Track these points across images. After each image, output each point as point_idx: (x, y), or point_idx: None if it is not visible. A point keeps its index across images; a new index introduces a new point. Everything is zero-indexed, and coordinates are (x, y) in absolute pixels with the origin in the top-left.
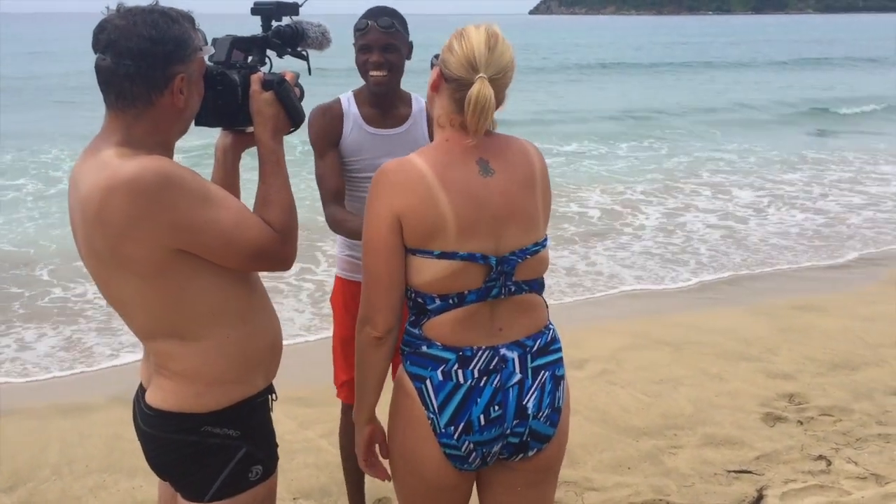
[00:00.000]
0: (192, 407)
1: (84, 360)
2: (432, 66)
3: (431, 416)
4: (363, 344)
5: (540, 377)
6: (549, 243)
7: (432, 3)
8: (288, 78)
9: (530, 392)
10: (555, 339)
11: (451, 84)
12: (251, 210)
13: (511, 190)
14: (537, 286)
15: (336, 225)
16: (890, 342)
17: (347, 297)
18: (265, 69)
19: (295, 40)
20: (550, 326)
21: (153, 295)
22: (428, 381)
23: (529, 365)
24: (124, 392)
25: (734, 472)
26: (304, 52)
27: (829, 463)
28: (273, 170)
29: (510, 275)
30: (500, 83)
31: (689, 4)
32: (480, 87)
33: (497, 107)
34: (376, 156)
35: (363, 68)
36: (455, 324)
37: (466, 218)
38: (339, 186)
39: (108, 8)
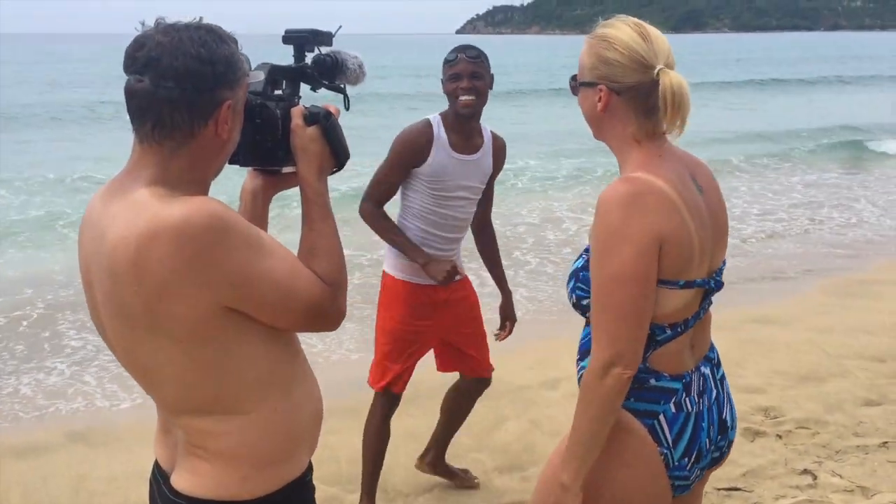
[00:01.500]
0: (237, 493)
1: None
2: (574, 89)
3: (665, 451)
4: (611, 390)
5: (725, 387)
6: None
7: (358, 25)
8: (333, 112)
9: (725, 405)
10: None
11: (628, 94)
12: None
13: (716, 207)
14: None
15: (373, 219)
16: (851, 353)
17: (411, 297)
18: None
19: (334, 72)
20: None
21: (192, 362)
22: (661, 416)
23: (717, 377)
24: (84, 430)
25: (724, 489)
26: (341, 86)
27: (815, 477)
28: (321, 214)
29: (714, 292)
30: (672, 67)
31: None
32: (670, 78)
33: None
34: (457, 179)
35: (453, 94)
36: (678, 352)
37: (702, 241)
38: (389, 197)
39: (142, 24)
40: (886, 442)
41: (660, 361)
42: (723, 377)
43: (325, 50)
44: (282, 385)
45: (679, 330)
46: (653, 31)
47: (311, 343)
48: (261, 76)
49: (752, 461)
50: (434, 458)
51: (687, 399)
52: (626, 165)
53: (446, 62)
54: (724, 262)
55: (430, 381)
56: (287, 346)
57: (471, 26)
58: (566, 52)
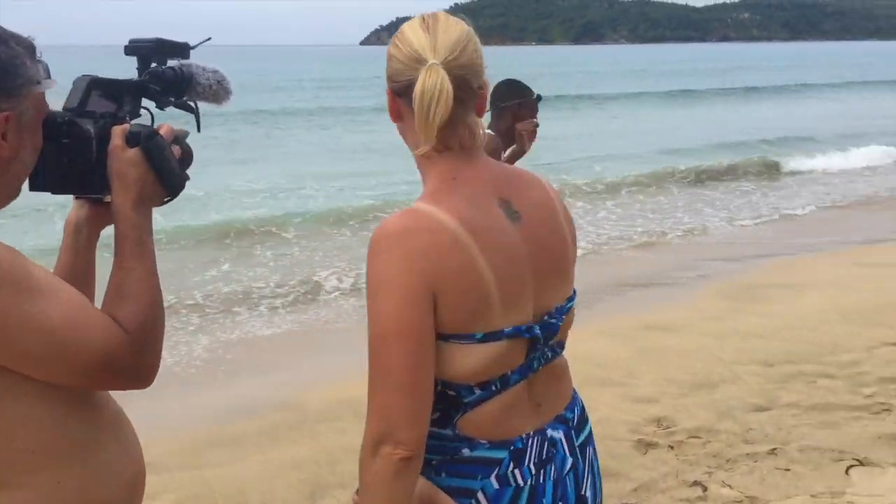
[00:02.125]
0: None
1: None
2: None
3: None
4: (383, 473)
5: (588, 456)
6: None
7: (261, 35)
8: (163, 132)
9: (585, 477)
10: (582, 403)
11: (408, 95)
12: (96, 305)
13: (542, 236)
14: (563, 345)
15: None
16: (743, 358)
17: None
18: (141, 122)
19: (180, 87)
20: (576, 394)
21: None
22: (480, 494)
23: (576, 443)
24: None
25: None
26: (191, 103)
27: (705, 489)
28: (135, 251)
29: (550, 339)
30: (461, 64)
31: (514, 35)
32: (426, 76)
33: (478, 101)
34: None
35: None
36: (500, 413)
37: (509, 283)
38: None
39: None
40: (775, 448)
41: (474, 427)
42: (587, 443)
43: (174, 63)
44: (71, 452)
45: (494, 389)
46: (445, 24)
47: (193, 364)
48: (52, 84)
49: (644, 475)
50: None
51: (517, 471)
52: (423, 189)
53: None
54: (570, 299)
55: (318, 404)
56: (82, 404)
57: (375, 37)
58: None
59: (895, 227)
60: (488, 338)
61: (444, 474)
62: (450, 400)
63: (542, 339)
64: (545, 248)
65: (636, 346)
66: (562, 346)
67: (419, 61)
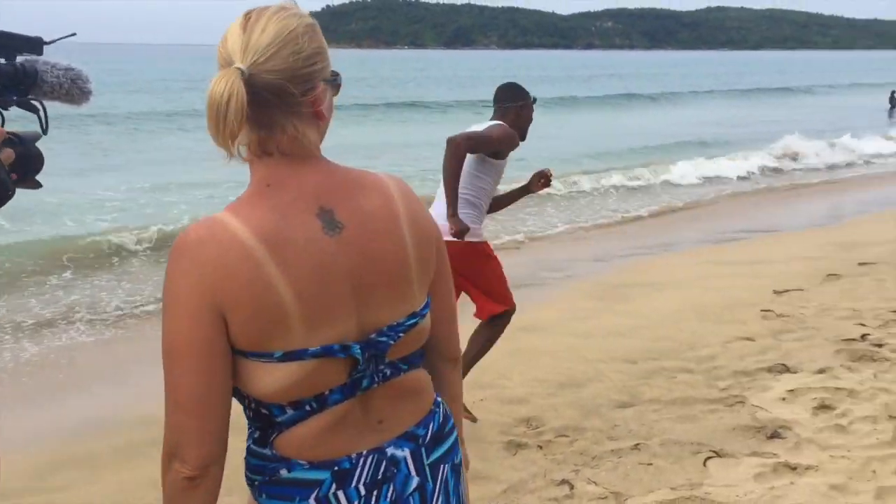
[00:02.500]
0: None
1: None
2: None
3: None
4: (173, 487)
5: (441, 475)
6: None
7: (137, 34)
8: None
9: (435, 498)
10: (447, 418)
11: None
12: None
13: (369, 248)
14: (417, 359)
15: (458, 160)
16: (606, 357)
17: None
18: None
19: (20, 85)
20: (439, 401)
21: None
22: None
23: (426, 462)
24: None
25: None
26: (35, 103)
27: (572, 487)
28: None
29: (382, 357)
30: (271, 69)
31: (387, 39)
32: (213, 83)
33: (310, 106)
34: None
35: (527, 121)
36: (319, 433)
37: (315, 299)
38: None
39: None
40: (638, 444)
41: (292, 447)
42: (442, 461)
43: (21, 58)
44: None
45: (309, 409)
46: (265, 22)
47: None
48: None
49: (514, 476)
50: None
51: (340, 492)
52: None
53: (531, 100)
54: (413, 315)
55: None
56: None
57: None
58: (341, 65)
59: (737, 228)
60: (289, 357)
61: (264, 495)
62: (264, 419)
63: (370, 358)
64: (373, 261)
65: (508, 348)
66: (411, 360)
67: (230, 64)
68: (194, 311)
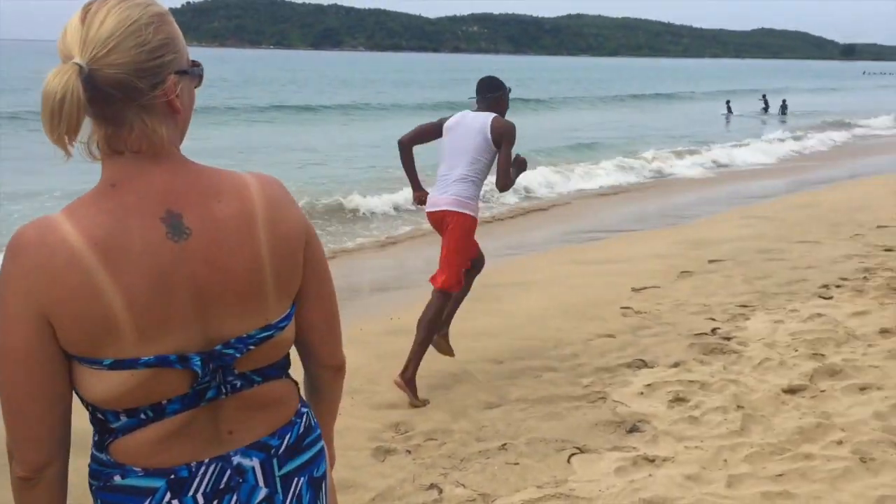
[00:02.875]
0: None
1: None
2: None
3: None
4: (13, 483)
5: (294, 487)
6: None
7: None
8: None
9: None
10: (310, 429)
11: None
12: None
13: (217, 256)
14: (276, 371)
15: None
16: (475, 357)
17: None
18: None
19: None
20: (304, 412)
21: None
22: None
23: (277, 473)
24: None
25: None
26: None
27: (441, 491)
28: None
29: (230, 369)
30: (112, 63)
31: (251, 38)
32: (48, 79)
33: (163, 101)
34: None
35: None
36: (157, 441)
37: (150, 308)
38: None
39: None
40: (505, 444)
41: (127, 453)
42: (297, 473)
43: None
44: None
45: (145, 417)
46: (104, 14)
47: None
48: None
49: (382, 483)
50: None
51: (175, 501)
52: None
53: (508, 90)
54: (266, 328)
55: None
56: None
57: None
58: (206, 65)
59: (598, 228)
60: (118, 365)
61: (100, 501)
62: (101, 424)
63: (216, 370)
64: (220, 272)
65: (377, 352)
66: (268, 372)
67: (70, 59)
68: (20, 315)
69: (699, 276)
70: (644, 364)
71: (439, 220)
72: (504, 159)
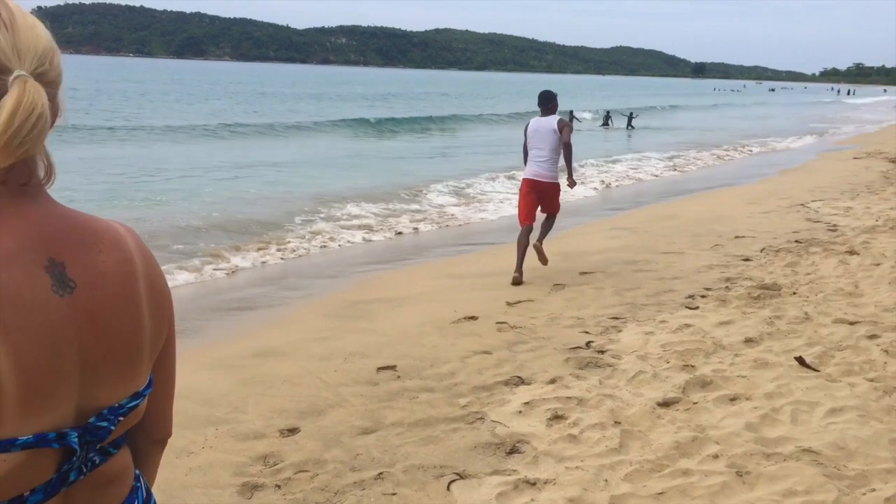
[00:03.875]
0: None
1: None
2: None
3: None
4: None
5: None
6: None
7: None
8: None
9: None
10: (149, 493)
11: None
12: None
13: (104, 315)
14: (124, 439)
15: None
16: (348, 380)
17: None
18: None
19: None
20: (138, 475)
21: None
22: None
23: None
24: None
25: None
26: None
27: None
28: None
29: (96, 444)
30: (50, 80)
31: (109, 45)
32: (16, 94)
33: (53, 124)
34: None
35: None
36: None
37: (39, 375)
38: None
39: None
40: (381, 473)
41: None
42: None
43: None
44: None
45: None
46: (31, 22)
47: None
48: None
49: None
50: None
51: None
52: None
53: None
54: (135, 396)
55: None
56: None
57: None
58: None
59: (469, 241)
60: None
61: None
62: None
63: (86, 447)
64: (104, 332)
65: (242, 377)
66: (118, 443)
67: (5, 71)
68: None
69: (572, 288)
70: (521, 381)
71: (542, 186)
72: (566, 144)
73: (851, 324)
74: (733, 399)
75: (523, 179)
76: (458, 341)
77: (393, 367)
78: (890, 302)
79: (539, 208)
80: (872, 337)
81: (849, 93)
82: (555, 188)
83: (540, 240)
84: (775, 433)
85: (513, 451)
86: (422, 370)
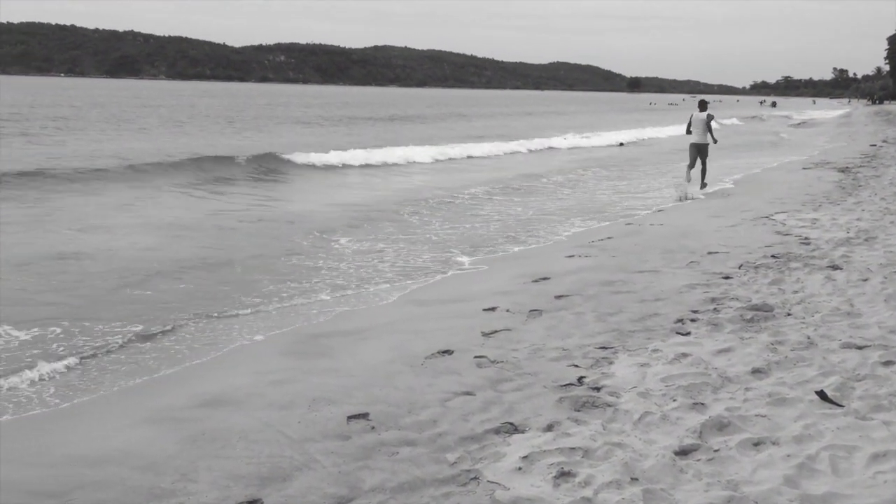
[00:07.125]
0: None
1: None
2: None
3: None
4: None
5: None
6: None
7: None
8: None
9: None
10: None
11: None
12: None
13: None
14: None
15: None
16: (314, 433)
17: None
18: None
19: None
20: None
21: None
22: None
23: None
24: None
25: None
26: None
27: None
28: None
29: None
30: None
31: (39, 65)
32: None
33: None
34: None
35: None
36: None
37: None
38: None
39: None
40: None
41: None
42: None
43: None
44: None
45: None
46: None
47: None
48: None
49: None
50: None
51: None
52: None
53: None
54: None
55: None
56: None
57: None
58: None
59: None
60: None
61: None
62: None
63: None
64: None
65: (191, 433)
66: None
67: None
68: None
69: (550, 314)
70: (514, 428)
71: (700, 147)
72: (710, 130)
73: (860, 348)
74: (757, 444)
75: (690, 144)
76: (435, 381)
77: (365, 416)
78: (893, 322)
79: (698, 159)
80: (888, 364)
81: (772, 104)
82: (706, 147)
83: (702, 179)
84: (820, 488)
85: None
86: (398, 418)
